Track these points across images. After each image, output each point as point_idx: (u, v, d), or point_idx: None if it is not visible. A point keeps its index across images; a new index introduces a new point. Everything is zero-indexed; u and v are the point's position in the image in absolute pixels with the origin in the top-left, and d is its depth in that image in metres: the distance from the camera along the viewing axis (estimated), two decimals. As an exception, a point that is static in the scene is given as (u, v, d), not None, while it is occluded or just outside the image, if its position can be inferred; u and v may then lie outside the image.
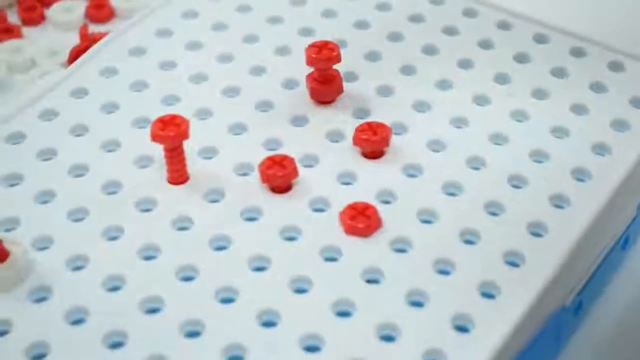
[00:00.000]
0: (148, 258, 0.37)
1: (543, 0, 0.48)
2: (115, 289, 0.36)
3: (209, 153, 0.41)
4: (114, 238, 0.38)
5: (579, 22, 0.47)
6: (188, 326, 0.35)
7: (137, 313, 0.35)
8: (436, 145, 0.41)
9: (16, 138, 0.42)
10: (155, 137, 0.38)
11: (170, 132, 0.38)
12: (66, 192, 0.39)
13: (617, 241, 0.42)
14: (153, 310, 0.35)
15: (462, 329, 0.35)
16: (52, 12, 0.58)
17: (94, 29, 0.57)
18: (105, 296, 0.36)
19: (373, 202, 0.38)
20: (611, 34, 0.46)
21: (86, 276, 0.36)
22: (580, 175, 0.40)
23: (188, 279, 0.36)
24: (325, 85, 0.43)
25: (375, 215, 0.37)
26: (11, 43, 0.56)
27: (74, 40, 0.56)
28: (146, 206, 0.39)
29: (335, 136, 0.42)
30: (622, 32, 0.47)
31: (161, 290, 0.36)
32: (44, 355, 0.34)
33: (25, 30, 0.58)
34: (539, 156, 0.41)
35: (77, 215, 0.39)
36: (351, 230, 0.37)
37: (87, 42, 0.55)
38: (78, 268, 0.37)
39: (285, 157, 0.39)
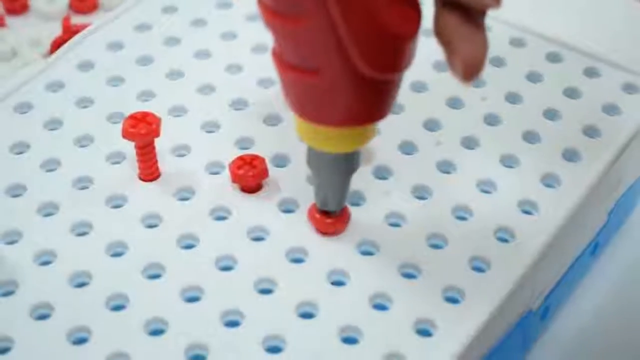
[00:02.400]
0: (116, 255, 0.37)
1: (556, 18, 0.48)
2: (81, 285, 0.36)
3: (181, 150, 0.41)
4: (82, 234, 0.38)
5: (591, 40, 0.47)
6: (152, 324, 0.35)
7: (102, 310, 0.35)
8: (408, 148, 0.41)
9: (-11, 130, 0.42)
10: (126, 135, 0.38)
11: (142, 130, 0.38)
12: (37, 186, 0.40)
13: (586, 247, 0.43)
14: (118, 308, 0.35)
15: (425, 332, 0.35)
16: (35, 1, 0.58)
17: (77, 20, 0.57)
18: (72, 292, 0.36)
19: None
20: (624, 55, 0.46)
21: (53, 271, 0.36)
22: (549, 181, 0.40)
23: (154, 276, 0.36)
24: (300, 85, 0.43)
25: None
26: (-7, 32, 0.56)
27: (57, 30, 0.56)
28: (116, 202, 0.39)
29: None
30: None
31: (127, 287, 0.36)
32: (7, 349, 0.34)
33: (8, 19, 0.58)
34: (508, 161, 0.41)
35: (47, 209, 0.39)
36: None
37: (69, 33, 0.55)
38: (45, 263, 0.37)
39: (256, 157, 0.39)
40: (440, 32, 0.32)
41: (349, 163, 0.35)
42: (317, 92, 0.33)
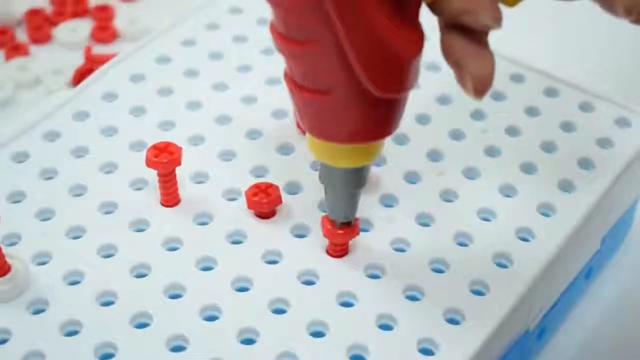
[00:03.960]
0: (139, 276, 0.40)
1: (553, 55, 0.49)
2: (107, 303, 0.39)
3: (200, 178, 0.44)
4: (108, 256, 0.40)
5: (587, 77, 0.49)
6: (174, 341, 0.37)
7: (127, 327, 0.38)
8: (412, 178, 0.44)
9: (20, 157, 0.45)
10: (149, 164, 0.41)
11: (164, 159, 0.41)
12: (65, 211, 0.42)
13: (580, 271, 0.45)
14: (142, 325, 0.38)
15: (427, 352, 0.37)
16: (58, 31, 0.61)
17: (98, 49, 0.60)
18: (98, 310, 0.38)
19: (351, 229, 0.41)
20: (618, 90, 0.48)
21: (81, 291, 0.39)
22: (545, 210, 0.43)
23: (175, 296, 0.39)
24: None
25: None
26: (18, 61, 0.59)
27: (79, 59, 0.59)
28: (139, 226, 0.42)
29: (318, 165, 0.44)
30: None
31: (150, 306, 0.38)
32: (40, 364, 0.37)
33: (33, 48, 0.61)
34: (507, 191, 0.43)
35: (75, 233, 0.41)
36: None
37: (91, 62, 0.58)
38: (74, 283, 0.39)
39: (270, 185, 0.42)
40: (447, 53, 0.34)
41: (359, 177, 0.38)
42: (327, 111, 0.35)
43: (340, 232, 0.39)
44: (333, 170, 0.37)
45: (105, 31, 0.61)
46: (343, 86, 0.34)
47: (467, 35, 0.34)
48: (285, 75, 0.36)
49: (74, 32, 0.61)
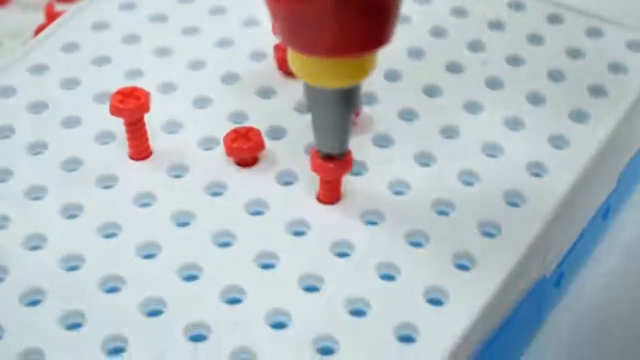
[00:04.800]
0: (108, 236, 0.35)
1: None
2: (73, 268, 0.34)
3: (172, 127, 0.40)
4: (73, 216, 0.36)
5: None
6: (150, 305, 0.33)
7: (96, 293, 0.34)
8: (408, 114, 0.40)
9: (-27, 115, 0.40)
10: (114, 111, 0.37)
11: (130, 105, 0.36)
12: (24, 170, 0.38)
13: (597, 212, 0.41)
14: (113, 290, 0.34)
15: (436, 302, 0.33)
16: (16, -9, 0.57)
17: (60, 8, 0.56)
18: (64, 276, 0.34)
19: (343, 172, 0.37)
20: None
21: (44, 256, 0.35)
22: (557, 142, 0.39)
23: (150, 256, 0.35)
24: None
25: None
26: (-26, 23, 0.55)
27: (40, 20, 0.55)
28: (107, 183, 0.37)
29: (304, 107, 0.40)
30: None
31: (122, 269, 0.34)
32: (-2, 338, 0.32)
33: (-10, 10, 0.56)
34: (514, 124, 0.39)
35: (35, 193, 0.37)
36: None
37: (53, 20, 0.53)
38: (35, 248, 0.35)
39: (250, 129, 0.38)
40: None
41: (349, 99, 0.33)
42: (309, 17, 0.30)
43: (331, 165, 0.35)
44: (320, 92, 0.33)
45: (67, -12, 0.57)
46: None
47: None
48: None
49: (34, -9, 0.57)
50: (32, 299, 0.34)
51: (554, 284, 0.39)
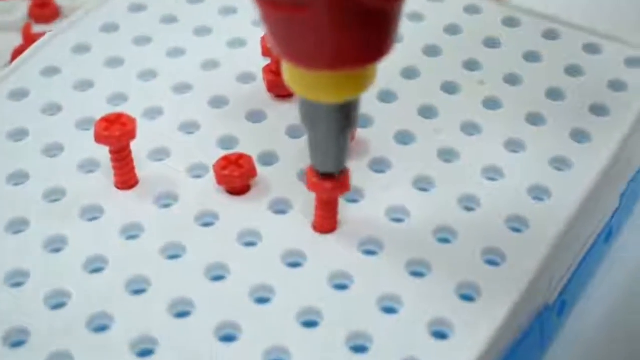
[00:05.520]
0: (95, 271, 0.34)
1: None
2: (59, 305, 0.33)
3: (159, 155, 0.38)
4: (57, 250, 0.35)
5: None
6: (140, 345, 0.32)
7: (83, 332, 0.32)
8: (404, 137, 0.39)
9: (-50, 143, 0.39)
10: (99, 138, 0.35)
11: (116, 132, 0.35)
12: (4, 202, 0.36)
13: (600, 234, 0.40)
14: (102, 328, 0.32)
15: (440, 335, 0.32)
16: (-9, 13, 0.55)
17: (38, 29, 0.54)
18: (48, 314, 0.32)
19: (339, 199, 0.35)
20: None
21: (27, 293, 0.33)
22: (559, 164, 0.37)
23: (139, 292, 0.33)
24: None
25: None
26: (-51, 46, 0.53)
27: (18, 41, 0.53)
28: (92, 214, 0.36)
29: (296, 131, 0.39)
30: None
31: (110, 305, 0.33)
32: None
33: (-37, 33, 0.55)
34: (515, 146, 0.38)
35: (17, 227, 0.35)
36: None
37: (31, 42, 0.51)
38: (18, 284, 0.33)
39: (241, 156, 0.36)
40: None
41: (347, 115, 0.31)
42: (306, 29, 0.29)
43: (329, 185, 0.33)
44: (316, 107, 0.31)
45: (45, 8, 0.55)
46: None
47: None
48: None
49: (10, 12, 0.55)
50: (16, 340, 0.32)
51: (557, 312, 0.38)
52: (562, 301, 0.38)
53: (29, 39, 0.52)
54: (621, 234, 0.43)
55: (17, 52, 0.51)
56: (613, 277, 0.42)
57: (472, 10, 0.45)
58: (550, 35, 0.43)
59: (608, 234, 0.41)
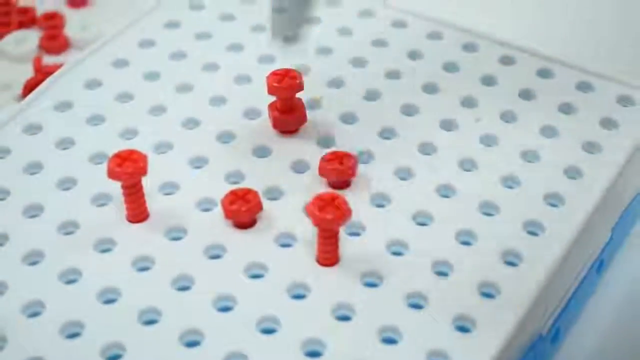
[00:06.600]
0: (108, 302, 0.35)
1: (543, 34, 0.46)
2: (74, 335, 0.34)
3: (169, 188, 0.39)
4: (71, 281, 0.36)
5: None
6: (152, 373, 0.33)
7: (98, 360, 0.33)
8: (404, 173, 0.40)
9: (-33, 176, 0.40)
10: (112, 175, 0.36)
11: (128, 169, 0.36)
12: (20, 234, 0.38)
13: (591, 265, 0.41)
14: (114, 358, 0.33)
15: (438, 366, 0.33)
16: (4, 44, 0.57)
17: (48, 60, 0.56)
18: (63, 344, 0.34)
19: (341, 233, 0.36)
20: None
21: (43, 323, 0.34)
22: (553, 200, 0.39)
23: (151, 322, 0.35)
24: (288, 114, 0.41)
25: (344, 204, 0.35)
26: (-38, 77, 0.54)
27: (28, 72, 0.55)
28: (105, 246, 0.37)
29: (300, 166, 0.40)
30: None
31: (123, 335, 0.34)
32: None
33: (-25, 65, 0.56)
34: (510, 182, 0.40)
35: (32, 258, 0.37)
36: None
37: (42, 74, 0.53)
38: (34, 314, 0.35)
39: (248, 191, 0.38)
40: None
41: None
42: None
43: (330, 217, 0.35)
44: None
45: (55, 40, 0.56)
46: None
47: None
48: None
49: (21, 43, 0.56)
50: (32, 369, 0.33)
51: (550, 341, 0.39)
52: (555, 330, 0.39)
53: (40, 71, 0.54)
54: (611, 266, 0.44)
55: (29, 84, 0.53)
56: (605, 306, 0.43)
57: (469, 48, 0.46)
58: (545, 73, 0.45)
59: (599, 266, 0.42)
